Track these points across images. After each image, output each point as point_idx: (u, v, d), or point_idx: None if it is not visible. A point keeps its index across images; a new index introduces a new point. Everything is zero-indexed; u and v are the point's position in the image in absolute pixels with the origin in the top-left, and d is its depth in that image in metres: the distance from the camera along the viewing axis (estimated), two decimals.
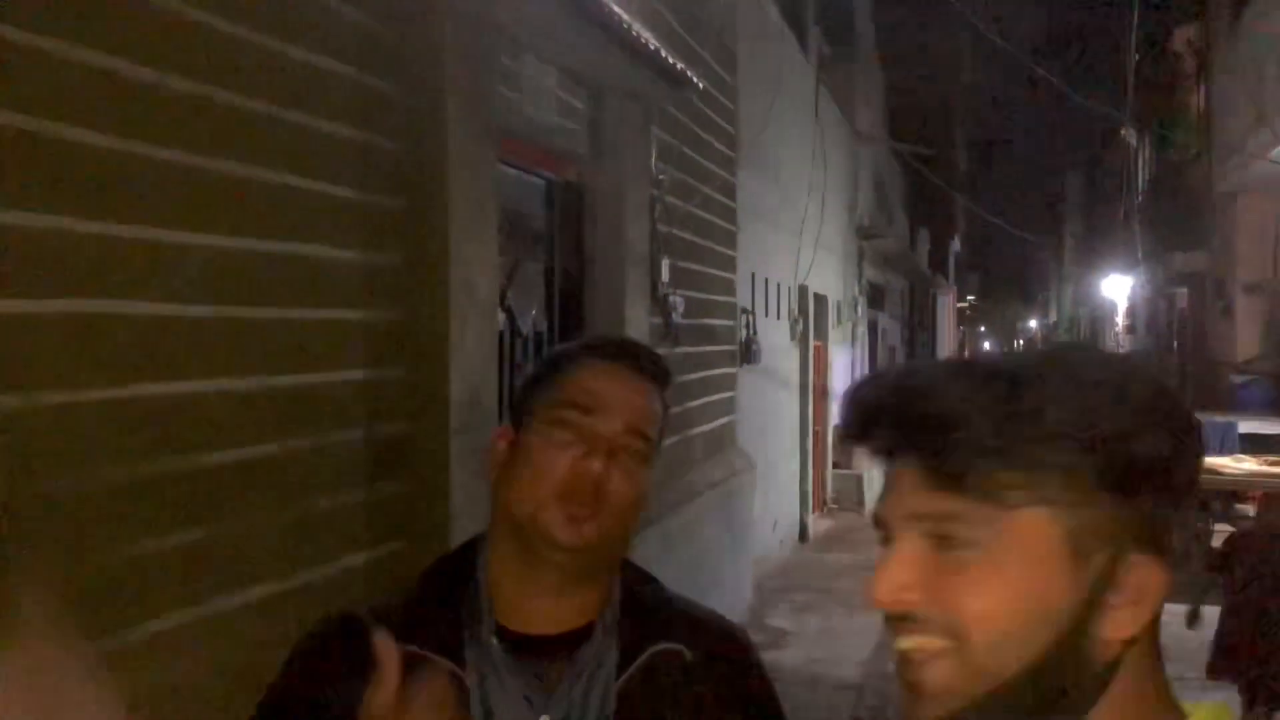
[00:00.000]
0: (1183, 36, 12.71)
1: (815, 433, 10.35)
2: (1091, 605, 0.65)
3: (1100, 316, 26.08)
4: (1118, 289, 20.66)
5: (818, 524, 10.18)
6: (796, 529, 9.56)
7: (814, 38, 10.13)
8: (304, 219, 2.43)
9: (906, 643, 0.68)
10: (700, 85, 4.69)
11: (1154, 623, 0.67)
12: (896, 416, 0.68)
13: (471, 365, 2.94)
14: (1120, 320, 22.59)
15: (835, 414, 11.71)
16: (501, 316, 3.44)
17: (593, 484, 1.04)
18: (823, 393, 10.88)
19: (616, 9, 3.60)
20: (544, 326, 3.91)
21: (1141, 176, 14.56)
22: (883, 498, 0.71)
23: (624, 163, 4.21)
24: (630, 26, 3.68)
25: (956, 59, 24.79)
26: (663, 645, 1.08)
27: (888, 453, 0.70)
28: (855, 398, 0.72)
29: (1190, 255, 12.90)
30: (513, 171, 3.59)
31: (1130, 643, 0.66)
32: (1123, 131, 13.74)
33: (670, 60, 4.09)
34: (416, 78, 2.76)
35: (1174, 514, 0.67)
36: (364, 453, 2.65)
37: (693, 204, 5.38)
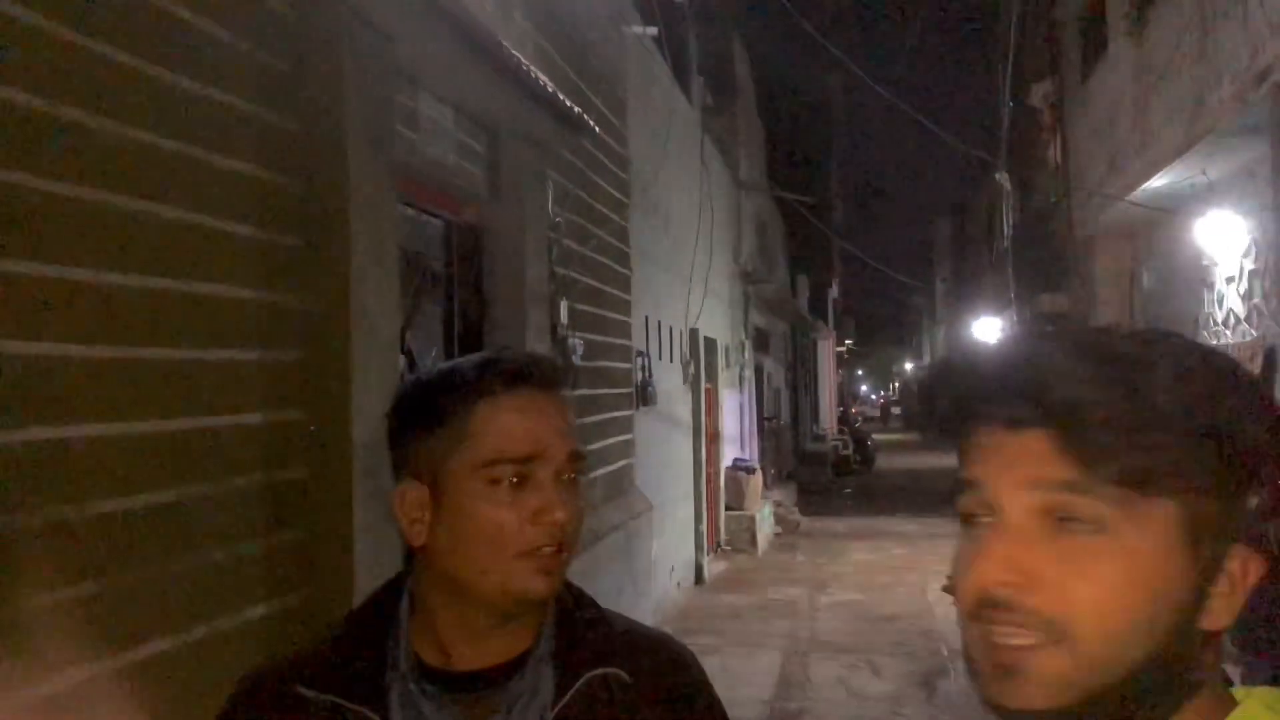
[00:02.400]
0: (1039, 92, 13.50)
1: (708, 475, 10.43)
2: (1200, 596, 0.65)
3: None
4: (988, 330, 21.58)
5: (713, 566, 10.22)
6: (693, 571, 9.58)
7: (698, 87, 10.38)
8: (200, 256, 2.34)
9: (1000, 637, 0.64)
10: (596, 130, 4.74)
11: None
12: (1033, 388, 0.65)
13: (374, 408, 2.86)
14: None
15: (727, 456, 11.84)
16: (401, 359, 3.37)
17: (558, 534, 1.01)
18: (714, 435, 10.99)
19: (514, 52, 3.62)
20: None
21: (1007, 222, 15.32)
22: (986, 462, 0.66)
23: (522, 205, 4.21)
24: (529, 69, 3.70)
25: (832, 110, 25.75)
26: (600, 670, 1.03)
27: (1014, 423, 0.65)
28: (978, 367, 0.69)
29: (1055, 297, 13.59)
30: (411, 212, 3.54)
31: (1220, 633, 0.66)
32: (997, 177, 14.46)
33: (568, 104, 4.13)
34: (317, 114, 2.71)
35: (1272, 503, 0.68)
36: (263, 499, 2.55)
37: (588, 247, 5.41)
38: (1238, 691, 0.68)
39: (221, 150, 2.41)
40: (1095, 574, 0.62)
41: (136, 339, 2.13)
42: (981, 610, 0.64)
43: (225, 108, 2.43)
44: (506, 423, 1.00)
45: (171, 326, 2.24)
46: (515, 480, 0.99)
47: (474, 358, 1.06)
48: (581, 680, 1.02)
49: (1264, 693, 0.67)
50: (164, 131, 2.21)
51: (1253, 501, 0.67)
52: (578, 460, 1.04)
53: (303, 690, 1.00)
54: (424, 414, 1.03)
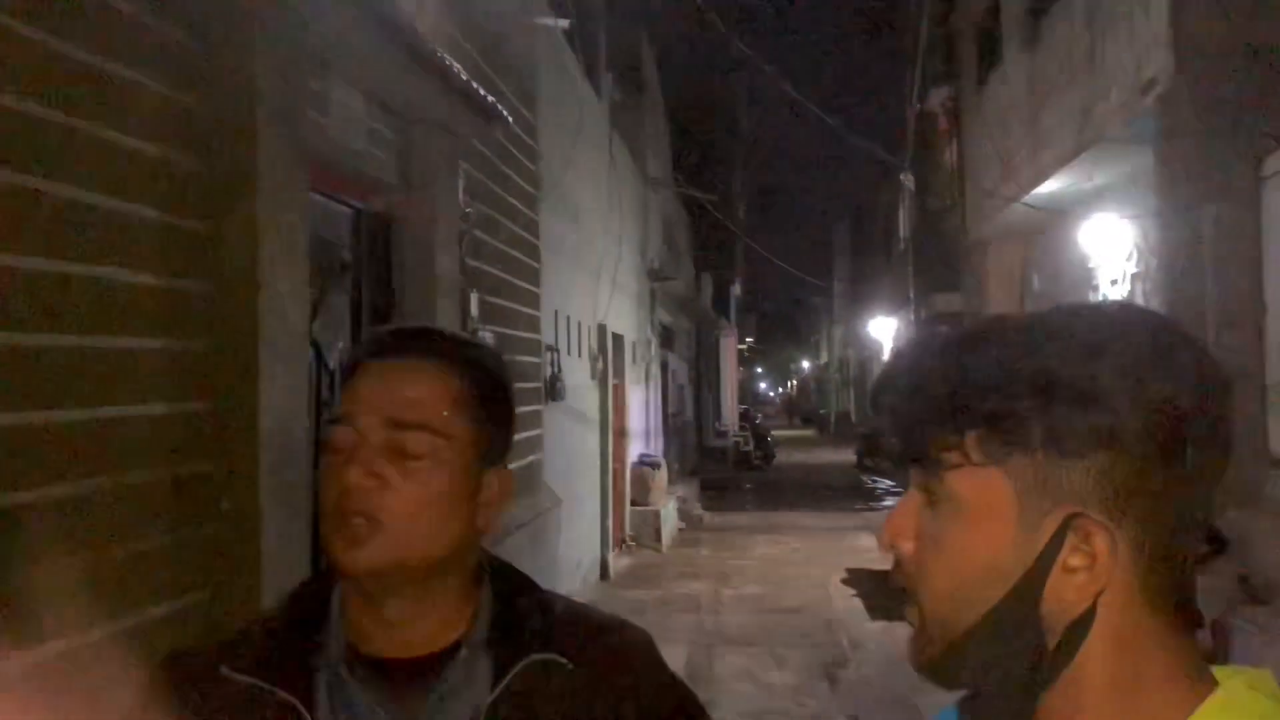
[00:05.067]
0: (937, 97, 13.90)
1: (615, 470, 10.44)
2: (1042, 567, 0.63)
3: (869, 356, 27.83)
4: (884, 329, 22.12)
5: (618, 561, 10.24)
6: (598, 567, 9.57)
7: (606, 83, 10.38)
8: (100, 239, 2.23)
9: (898, 585, 0.70)
10: (509, 120, 4.69)
11: (1163, 589, 0.65)
12: (890, 394, 0.70)
13: (282, 398, 2.78)
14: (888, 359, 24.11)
15: (633, 451, 11.87)
16: (309, 351, 3.28)
17: (355, 499, 0.94)
18: (621, 430, 11.01)
19: (428, 39, 3.56)
20: None
21: (905, 223, 15.74)
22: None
23: (433, 194, 4.14)
24: (441, 55, 3.64)
25: (736, 107, 26.05)
26: (538, 656, 0.99)
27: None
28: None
29: (949, 297, 14.01)
30: (320, 198, 3.45)
31: (1093, 608, 0.64)
32: (901, 176, 14.83)
33: (481, 93, 4.07)
34: (225, 94, 2.61)
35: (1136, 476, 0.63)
36: (167, 493, 2.45)
37: (499, 240, 5.36)
38: (1219, 671, 0.66)
39: (123, 129, 2.31)
40: (936, 543, 0.67)
41: (32, 325, 2.02)
42: (893, 568, 0.71)
43: (128, 83, 2.33)
44: (348, 387, 1.00)
45: (70, 312, 2.13)
46: (342, 446, 0.97)
47: (367, 333, 1.08)
48: (518, 667, 0.98)
49: (1250, 673, 0.66)
50: (65, 108, 2.11)
51: (1110, 472, 0.62)
52: (408, 428, 0.96)
53: (225, 671, 0.98)
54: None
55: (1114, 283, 8.06)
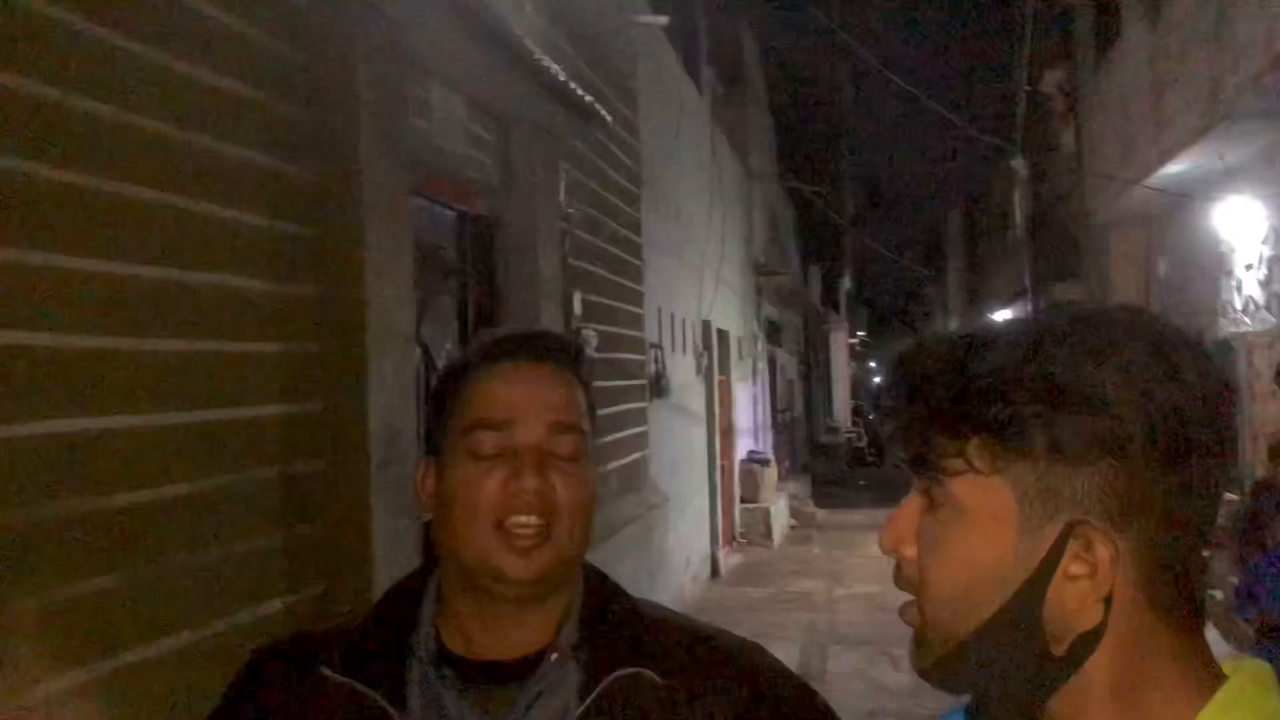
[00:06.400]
0: (1052, 79, 13.40)
1: (723, 467, 10.40)
2: (1043, 575, 0.62)
3: None
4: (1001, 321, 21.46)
5: (728, 559, 10.20)
6: (708, 565, 9.55)
7: (708, 78, 10.34)
8: (215, 248, 2.32)
9: (900, 588, 0.70)
10: (608, 119, 4.71)
11: (1169, 596, 0.63)
12: (892, 398, 0.70)
13: (390, 399, 2.85)
14: None
15: (741, 448, 11.81)
16: (416, 351, 3.35)
17: (533, 505, 0.95)
18: (728, 427, 10.96)
19: (527, 41, 3.59)
20: None
21: (1020, 210, 15.24)
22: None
23: (534, 195, 4.18)
24: (540, 58, 3.67)
25: (841, 97, 25.66)
26: (628, 670, 0.96)
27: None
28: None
29: (1069, 285, 13.50)
30: (423, 202, 3.52)
31: (1104, 623, 0.62)
32: (1013, 163, 14.37)
33: (579, 93, 4.10)
34: (330, 104, 2.69)
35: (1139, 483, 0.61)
36: (280, 492, 2.53)
37: (601, 238, 5.38)
38: (1226, 665, 0.65)
39: (234, 140, 2.39)
40: (934, 547, 0.67)
41: (151, 330, 2.11)
42: (894, 571, 0.70)
43: (237, 97, 2.41)
44: (490, 388, 0.99)
45: (187, 318, 2.22)
46: (496, 452, 0.96)
47: (483, 336, 1.06)
48: (606, 681, 0.96)
49: (1255, 666, 0.65)
50: (177, 122, 2.20)
51: (1112, 480, 0.61)
52: (569, 432, 0.98)
53: (323, 670, 0.98)
54: (436, 396, 1.04)
55: (1249, 267, 7.64)
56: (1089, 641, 0.63)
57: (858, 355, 42.51)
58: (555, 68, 3.87)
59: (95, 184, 1.96)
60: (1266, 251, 7.35)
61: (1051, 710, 0.65)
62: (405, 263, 2.99)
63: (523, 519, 0.95)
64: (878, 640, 7.36)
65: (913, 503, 0.69)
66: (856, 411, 29.12)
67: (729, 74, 12.09)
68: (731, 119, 12.03)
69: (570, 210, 4.66)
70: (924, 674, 0.69)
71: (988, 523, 0.64)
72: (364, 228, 2.73)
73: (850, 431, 24.46)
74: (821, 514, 14.04)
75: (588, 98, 4.23)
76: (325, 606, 2.62)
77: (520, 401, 0.98)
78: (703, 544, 9.39)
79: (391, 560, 2.77)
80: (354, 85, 2.71)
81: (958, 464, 0.64)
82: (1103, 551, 0.62)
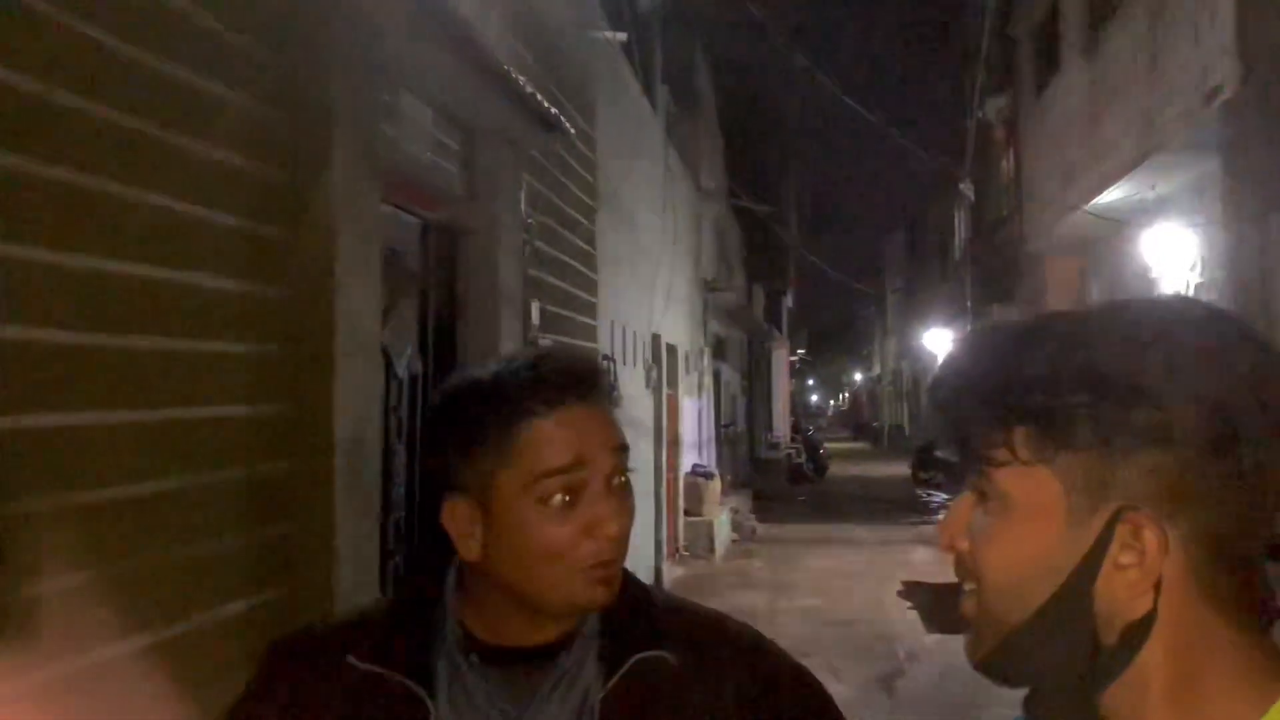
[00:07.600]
0: (994, 107, 13.77)
1: (668, 480, 10.46)
2: (1092, 564, 0.63)
3: (922, 369, 27.53)
4: (939, 341, 21.88)
5: (672, 571, 10.24)
6: (652, 576, 9.58)
7: (662, 95, 10.44)
8: (188, 246, 2.32)
9: (960, 582, 0.71)
10: (570, 131, 4.76)
11: (1226, 589, 0.63)
12: (942, 391, 0.71)
13: (356, 403, 2.85)
14: None
15: (686, 462, 11.88)
16: (380, 356, 3.36)
17: (618, 547, 1.01)
18: (674, 440, 11.03)
19: (493, 50, 3.63)
20: (419, 370, 3.83)
21: (962, 233, 15.58)
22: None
23: (497, 204, 4.21)
24: (505, 67, 3.71)
25: (790, 119, 26.00)
26: (647, 654, 1.02)
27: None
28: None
29: (1006, 308, 13.84)
30: (389, 209, 3.53)
31: (1154, 611, 0.62)
32: (960, 186, 14.70)
33: (544, 105, 4.14)
34: (304, 108, 2.70)
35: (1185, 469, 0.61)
36: (246, 493, 2.53)
37: (558, 250, 5.42)
38: None
39: (210, 140, 2.40)
40: (988, 539, 0.67)
41: (119, 327, 2.10)
42: (954, 566, 0.71)
43: (215, 97, 2.42)
44: (550, 439, 0.99)
45: (159, 315, 2.21)
46: (566, 497, 0.99)
47: (516, 369, 1.03)
48: (630, 662, 1.01)
49: None
50: (152, 118, 2.19)
51: (1158, 467, 0.61)
52: (623, 454, 1.05)
53: (351, 659, 1.01)
54: (468, 430, 1.01)
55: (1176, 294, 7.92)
56: (1140, 631, 0.63)
57: (798, 372, 42.93)
58: (521, 78, 3.92)
59: (75, 179, 1.95)
60: (1193, 279, 7.63)
61: (1108, 708, 0.65)
62: (374, 268, 3.01)
63: (609, 558, 1.00)
64: (819, 652, 7.45)
65: (965, 498, 0.70)
66: (795, 428, 29.42)
67: (682, 93, 12.22)
68: (684, 137, 12.15)
69: (531, 221, 4.70)
70: (978, 666, 0.69)
71: (1036, 513, 0.65)
72: (335, 231, 2.75)
73: (790, 447, 24.70)
74: (763, 528, 14.17)
75: (551, 109, 4.27)
76: (287, 608, 2.62)
77: (585, 447, 1.00)
78: (648, 556, 9.43)
79: (355, 561, 2.77)
80: (329, 91, 2.73)
81: (1004, 455, 0.65)
82: (1150, 538, 0.61)
